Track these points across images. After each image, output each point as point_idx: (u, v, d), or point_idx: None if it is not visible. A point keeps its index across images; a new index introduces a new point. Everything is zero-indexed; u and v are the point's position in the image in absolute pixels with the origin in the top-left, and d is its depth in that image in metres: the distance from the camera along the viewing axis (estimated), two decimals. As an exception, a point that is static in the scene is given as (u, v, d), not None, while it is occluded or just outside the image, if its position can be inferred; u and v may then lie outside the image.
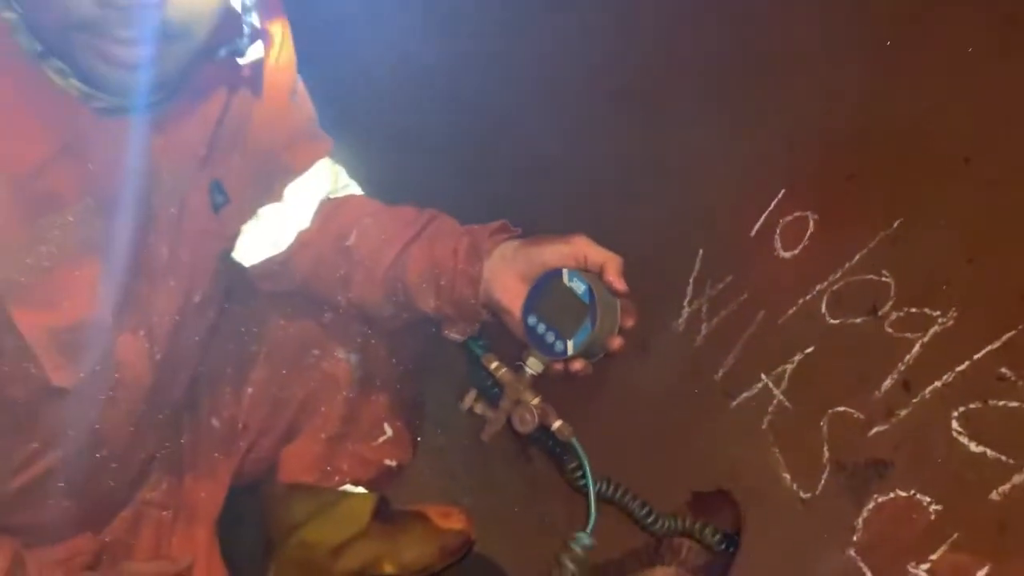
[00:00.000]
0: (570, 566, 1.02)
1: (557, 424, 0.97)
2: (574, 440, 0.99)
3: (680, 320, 1.42)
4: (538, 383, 0.97)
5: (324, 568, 1.45)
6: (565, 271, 0.93)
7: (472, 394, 1.03)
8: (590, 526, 0.99)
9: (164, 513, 1.19)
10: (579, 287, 0.92)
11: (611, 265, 0.97)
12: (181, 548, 1.19)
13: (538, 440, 1.18)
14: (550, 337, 0.93)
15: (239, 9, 0.90)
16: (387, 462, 1.32)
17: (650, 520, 1.21)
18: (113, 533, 1.16)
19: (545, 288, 0.94)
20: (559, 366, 0.95)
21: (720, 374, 1.32)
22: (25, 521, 1.05)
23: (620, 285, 0.96)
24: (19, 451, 0.99)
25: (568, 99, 1.64)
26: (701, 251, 1.43)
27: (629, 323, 0.98)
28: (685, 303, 1.42)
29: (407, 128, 1.75)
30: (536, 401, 0.97)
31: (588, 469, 0.98)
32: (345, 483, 1.31)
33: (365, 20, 1.74)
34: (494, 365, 1.00)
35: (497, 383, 1.00)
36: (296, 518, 1.37)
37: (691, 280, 1.43)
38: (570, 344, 0.92)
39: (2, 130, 0.79)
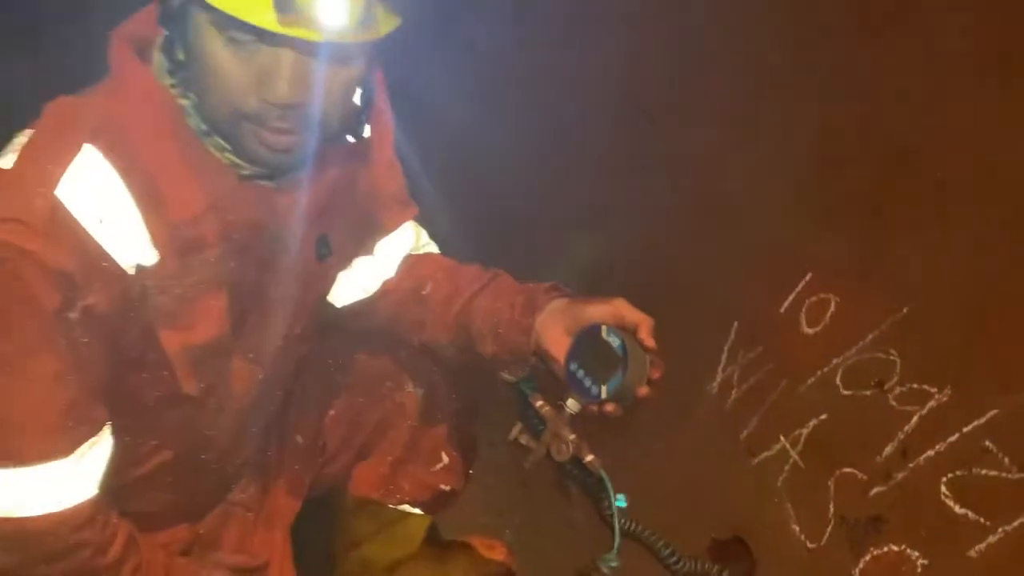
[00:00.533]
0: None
1: (589, 458, 1.13)
2: (602, 472, 1.14)
3: (714, 383, 1.58)
4: (576, 422, 1.13)
5: (380, 582, 1.62)
6: (604, 327, 1.10)
7: (518, 427, 1.19)
8: (615, 548, 1.13)
9: (249, 514, 1.37)
10: (614, 341, 1.09)
11: (644, 325, 1.14)
12: (260, 546, 1.37)
13: (572, 473, 1.32)
14: (587, 382, 1.10)
15: (360, 103, 1.11)
16: (442, 487, 1.49)
17: (673, 560, 1.35)
18: (206, 526, 1.35)
19: (586, 340, 1.11)
20: (593, 407, 1.12)
21: (744, 434, 1.47)
22: (137, 509, 1.23)
23: (650, 343, 1.13)
24: (141, 447, 1.19)
25: (618, 172, 1.85)
26: (736, 323, 1.59)
27: (656, 375, 1.14)
28: (719, 369, 1.58)
29: (475, 194, 1.98)
30: (573, 436, 1.13)
31: (612, 497, 1.12)
32: (404, 502, 1.48)
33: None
34: (539, 403, 1.17)
35: (540, 419, 1.16)
36: (358, 534, 1.54)
37: (726, 348, 1.59)
38: (604, 389, 1.08)
39: (169, 189, 1.00)
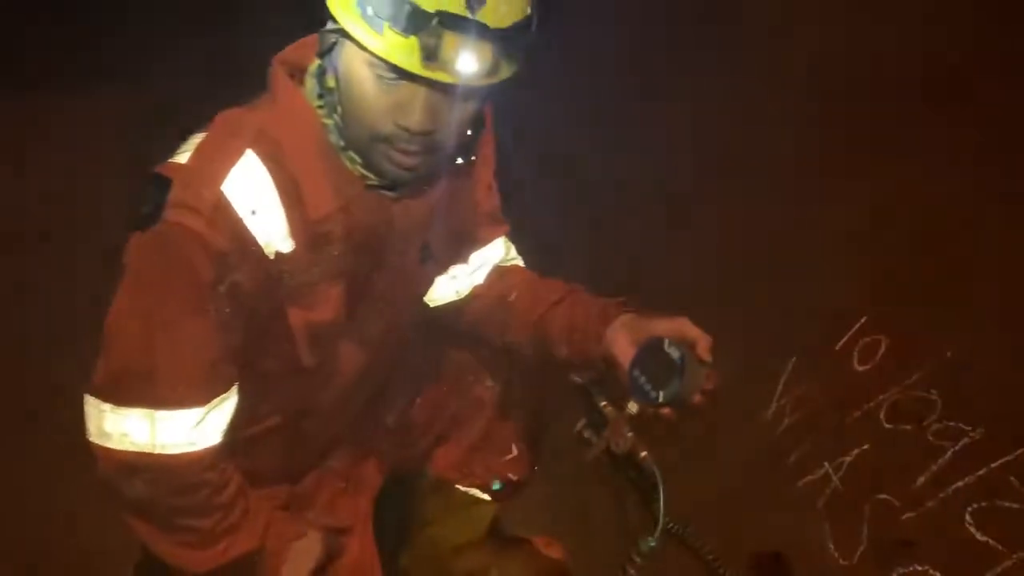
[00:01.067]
0: (637, 560, 1.26)
1: (643, 454, 1.26)
2: (655, 467, 1.27)
3: (769, 411, 1.70)
4: (634, 422, 1.27)
5: (444, 563, 1.78)
6: (666, 340, 1.24)
7: (583, 422, 1.33)
8: (656, 533, 1.25)
9: (340, 481, 1.55)
10: (674, 353, 1.22)
11: (702, 342, 1.27)
12: (346, 511, 1.54)
13: (627, 471, 1.44)
14: (648, 387, 1.23)
15: (471, 132, 1.30)
16: (510, 476, 1.64)
17: (716, 565, 1.46)
18: (302, 487, 1.53)
19: (649, 351, 1.25)
20: (651, 410, 1.25)
21: (792, 458, 1.59)
22: (245, 465, 1.43)
23: (706, 357, 1.26)
24: (256, 410, 1.39)
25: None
26: (794, 359, 1.71)
27: (709, 386, 1.27)
28: (775, 399, 1.70)
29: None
30: (631, 434, 1.26)
31: (661, 487, 1.24)
32: (476, 485, 1.64)
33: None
34: (603, 404, 1.31)
35: (603, 417, 1.30)
36: (431, 514, 1.71)
37: (783, 381, 1.71)
38: (661, 394, 1.22)
39: (308, 192, 1.20)
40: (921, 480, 1.33)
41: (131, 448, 1.19)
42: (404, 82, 1.08)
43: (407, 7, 1.02)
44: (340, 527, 1.52)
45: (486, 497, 1.66)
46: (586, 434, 1.25)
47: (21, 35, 4.37)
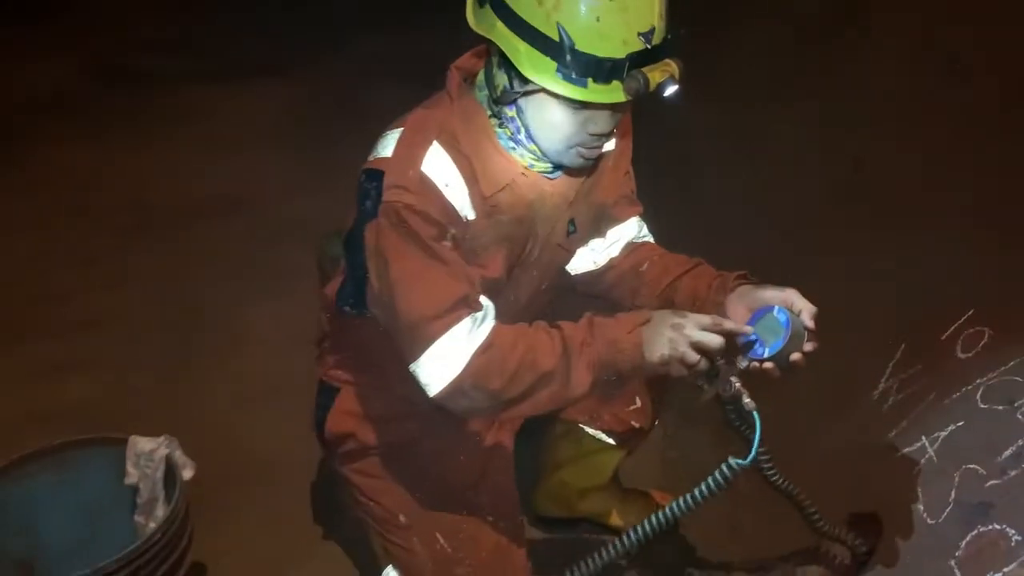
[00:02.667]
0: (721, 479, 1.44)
1: (747, 400, 1.46)
2: (755, 413, 1.46)
3: (877, 391, 1.87)
4: (742, 376, 1.46)
5: (571, 503, 2.03)
6: (776, 307, 1.44)
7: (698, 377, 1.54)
8: (749, 457, 1.43)
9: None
10: (782, 318, 1.42)
11: (807, 310, 1.46)
12: (493, 442, 1.79)
13: (731, 417, 1.61)
14: (756, 345, 1.44)
15: None
16: (633, 423, 1.86)
17: (816, 518, 1.64)
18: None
19: (761, 316, 1.45)
20: (757, 364, 1.45)
21: (893, 432, 1.75)
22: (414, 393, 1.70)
23: (809, 323, 1.45)
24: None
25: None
26: (904, 345, 1.87)
27: (808, 349, 1.45)
28: (882, 380, 1.87)
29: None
30: (738, 384, 1.47)
31: (759, 427, 1.42)
32: (603, 430, 1.87)
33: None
34: (719, 359, 1.51)
35: (716, 370, 1.51)
36: (562, 457, 1.97)
37: (891, 365, 1.87)
38: (766, 351, 1.42)
39: (480, 173, 1.48)
40: (1007, 453, 1.47)
41: (450, 377, 1.42)
42: (596, 109, 1.39)
43: (605, 62, 1.32)
44: (486, 453, 1.78)
45: (611, 442, 1.89)
46: (700, 382, 1.47)
47: (214, 29, 4.95)
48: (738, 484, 1.99)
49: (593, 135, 1.43)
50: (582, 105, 1.38)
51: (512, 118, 1.47)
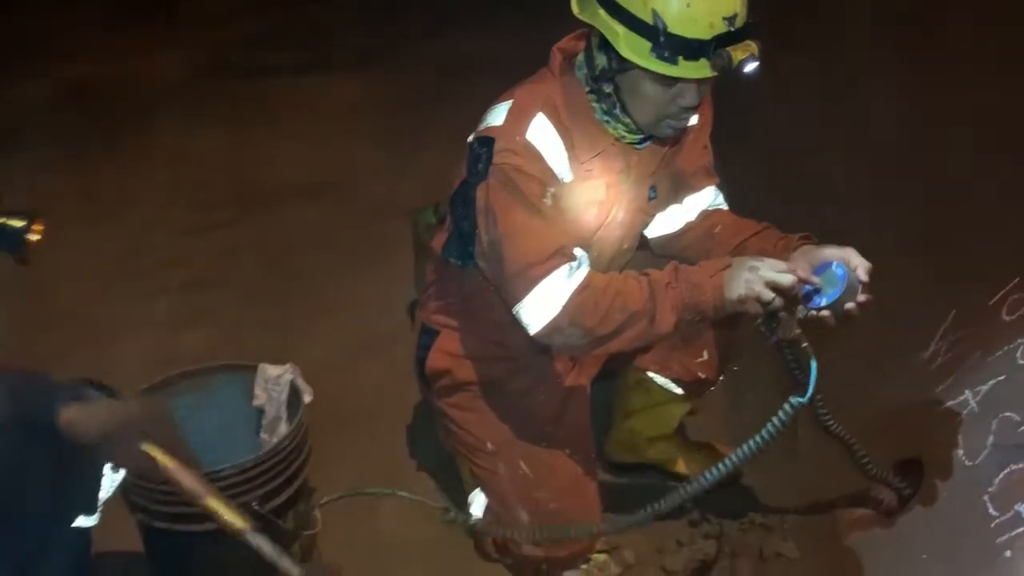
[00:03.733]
0: (784, 416, 1.60)
1: (805, 344, 1.63)
2: (812, 358, 1.63)
3: (927, 352, 2.02)
4: (801, 323, 1.63)
5: (639, 450, 2.23)
6: (834, 263, 1.62)
7: (761, 320, 1.71)
8: (807, 395, 1.59)
9: (570, 361, 2.00)
10: (839, 272, 1.60)
11: (862, 266, 1.62)
12: (572, 383, 1.98)
13: (789, 361, 1.75)
14: (814, 296, 1.62)
15: None
16: (700, 374, 2.06)
17: (865, 461, 1.79)
18: (543, 359, 1.94)
19: (820, 271, 1.63)
20: (814, 312, 1.62)
21: (939, 388, 1.90)
22: (513, 338, 1.88)
23: (864, 278, 1.61)
24: None
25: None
26: (953, 311, 2.02)
27: (862, 300, 1.62)
28: (933, 342, 2.02)
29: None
30: (798, 330, 1.64)
31: (814, 369, 1.58)
32: (671, 379, 2.06)
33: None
34: (781, 311, 1.68)
35: (778, 319, 1.68)
36: (632, 406, 2.16)
37: (942, 329, 2.03)
38: (824, 300, 1.60)
39: (578, 140, 1.69)
40: (1041, 401, 1.63)
41: (550, 316, 1.63)
42: (687, 83, 1.60)
43: (694, 43, 1.53)
44: (565, 392, 1.98)
45: (679, 392, 2.09)
46: (763, 329, 1.65)
47: (310, 25, 5.29)
48: (796, 437, 2.21)
49: (682, 108, 1.64)
50: (673, 81, 1.58)
51: (609, 94, 1.68)
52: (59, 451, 1.35)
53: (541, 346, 1.83)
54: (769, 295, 1.56)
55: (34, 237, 1.00)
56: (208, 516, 1.37)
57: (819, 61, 3.33)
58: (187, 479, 1.36)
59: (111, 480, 1.50)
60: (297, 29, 5.34)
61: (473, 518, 1.97)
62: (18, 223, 1.00)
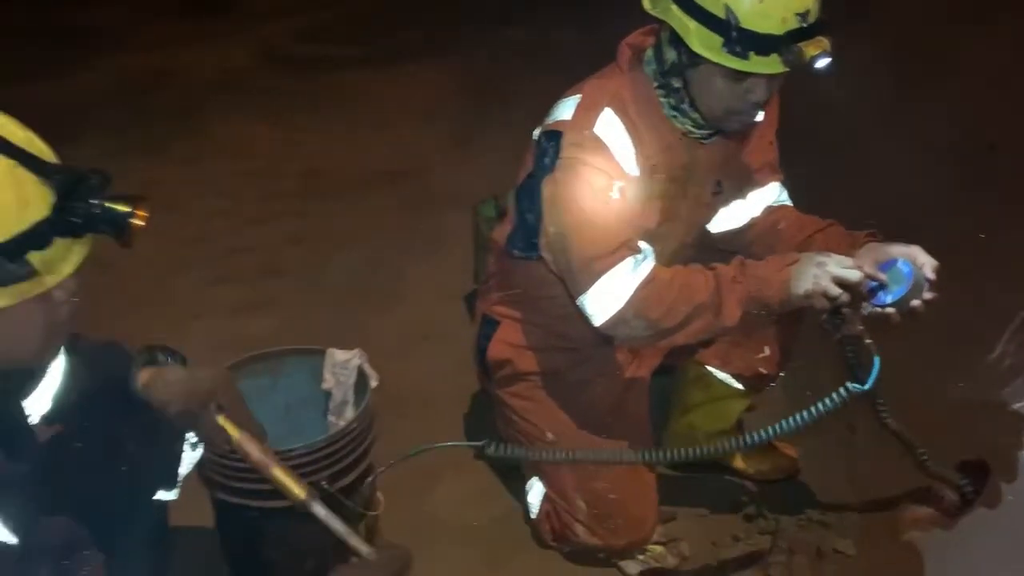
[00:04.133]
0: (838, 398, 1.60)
1: (868, 340, 1.63)
2: (876, 355, 1.62)
3: (994, 353, 2.00)
4: (865, 321, 1.63)
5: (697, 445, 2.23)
6: (900, 260, 1.61)
7: (825, 316, 1.71)
8: (868, 384, 1.57)
9: (631, 354, 2.02)
10: (904, 269, 1.59)
11: (929, 264, 1.62)
12: (632, 376, 2.01)
13: (849, 356, 1.67)
14: (880, 293, 1.61)
15: None
16: (761, 370, 2.06)
17: (925, 459, 1.79)
18: (605, 350, 1.94)
19: (888, 267, 1.62)
20: (879, 309, 1.62)
21: (1006, 390, 1.88)
22: (577, 330, 1.89)
23: (931, 275, 1.60)
24: None
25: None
26: (1021, 314, 2.00)
27: (928, 297, 1.61)
28: (1001, 344, 2.01)
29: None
30: (862, 327, 1.64)
31: (878, 363, 1.57)
32: (732, 374, 2.07)
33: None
34: (845, 308, 1.68)
35: (842, 315, 1.68)
36: (691, 401, 2.17)
37: (1009, 331, 2.01)
38: (889, 297, 1.59)
39: (645, 135, 1.70)
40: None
41: (615, 308, 1.66)
42: (757, 79, 1.59)
43: (766, 38, 1.54)
44: (625, 384, 2.01)
45: (739, 387, 2.09)
46: (827, 325, 1.65)
47: (371, 18, 5.37)
48: (855, 434, 2.20)
49: (751, 103, 1.64)
50: (743, 76, 1.59)
51: (677, 89, 1.70)
52: (143, 426, 1.42)
53: (604, 337, 1.86)
54: (836, 291, 1.57)
55: (138, 222, 1.05)
56: (274, 487, 1.42)
57: (878, 60, 3.29)
58: (254, 448, 1.40)
59: (190, 456, 1.57)
60: (355, 22, 5.42)
61: (510, 449, 1.93)
62: (124, 208, 1.04)
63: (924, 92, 2.98)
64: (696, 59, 1.61)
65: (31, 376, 1.24)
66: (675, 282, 1.66)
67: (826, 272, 1.57)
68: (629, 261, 1.67)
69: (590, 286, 1.68)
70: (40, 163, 1.01)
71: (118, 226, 1.04)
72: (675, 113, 1.73)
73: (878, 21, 3.51)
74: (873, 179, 2.86)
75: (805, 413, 1.59)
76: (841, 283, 1.56)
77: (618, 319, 1.68)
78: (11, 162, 0.98)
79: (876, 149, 2.98)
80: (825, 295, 1.57)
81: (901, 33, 3.43)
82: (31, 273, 1.00)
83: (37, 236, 0.99)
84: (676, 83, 1.69)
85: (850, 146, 3.10)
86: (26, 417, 1.28)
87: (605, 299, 1.67)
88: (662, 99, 1.73)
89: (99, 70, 4.81)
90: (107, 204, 1.02)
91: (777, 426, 1.64)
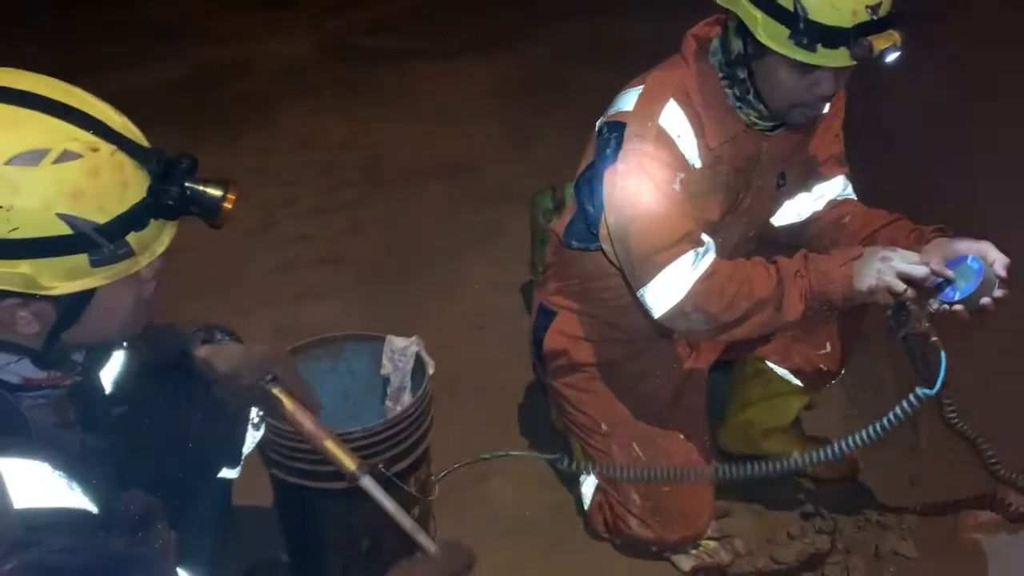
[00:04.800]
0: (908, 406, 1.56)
1: (934, 338, 1.59)
2: (942, 351, 1.57)
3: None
4: (932, 317, 1.58)
5: (755, 441, 2.21)
6: (970, 256, 1.56)
7: (890, 313, 1.66)
8: (936, 387, 1.51)
9: (688, 347, 2.01)
10: (975, 266, 1.54)
11: (1000, 260, 1.57)
12: (689, 369, 1.99)
13: (915, 354, 1.59)
14: (948, 290, 1.57)
15: None
16: (821, 366, 2.02)
17: (993, 462, 1.73)
18: (663, 344, 1.95)
19: (955, 264, 1.57)
20: (947, 306, 1.57)
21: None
22: (636, 323, 1.89)
23: (1002, 273, 1.56)
24: None
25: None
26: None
27: (998, 295, 1.56)
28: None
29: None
30: (928, 324, 1.59)
31: (944, 363, 1.52)
32: (792, 369, 2.04)
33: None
34: (911, 304, 1.64)
35: (908, 311, 1.64)
36: (749, 397, 2.15)
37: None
38: (958, 294, 1.55)
39: (708, 127, 1.68)
40: None
41: (675, 301, 1.65)
42: (823, 71, 1.56)
43: (834, 30, 1.50)
44: (682, 378, 2.00)
45: (798, 383, 2.06)
46: (891, 322, 1.62)
47: (431, 11, 5.40)
48: (918, 434, 2.15)
49: (817, 96, 1.61)
50: (810, 68, 1.56)
51: (743, 80, 1.67)
52: (206, 405, 1.46)
53: (662, 330, 1.85)
54: (900, 286, 1.53)
55: (228, 205, 1.08)
56: (328, 461, 1.43)
57: (948, 59, 3.20)
58: (308, 421, 1.43)
59: (252, 436, 1.62)
60: (418, 15, 5.46)
61: (584, 465, 1.97)
62: (216, 191, 1.08)
63: (1000, 90, 2.89)
64: (762, 50, 1.59)
65: (108, 353, 1.29)
66: (736, 276, 1.64)
67: (890, 267, 1.54)
68: (690, 254, 1.66)
69: (650, 279, 1.67)
70: (137, 147, 1.05)
71: (210, 208, 1.07)
72: (739, 104, 1.71)
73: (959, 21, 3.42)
74: (939, 177, 2.79)
75: (877, 425, 1.55)
76: (906, 279, 1.53)
77: (677, 312, 1.67)
78: (112, 147, 1.02)
79: (945, 147, 2.90)
80: (889, 291, 1.54)
81: (981, 30, 3.34)
82: (128, 253, 1.03)
83: (136, 218, 1.03)
84: (741, 74, 1.68)
85: (918, 142, 3.02)
86: (104, 393, 1.33)
87: (665, 292, 1.67)
88: (727, 89, 1.71)
89: (174, 63, 4.94)
90: (200, 187, 1.06)
91: (846, 441, 1.59)
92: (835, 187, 1.91)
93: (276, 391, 1.42)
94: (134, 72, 4.66)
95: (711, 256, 1.68)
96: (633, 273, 1.71)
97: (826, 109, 1.74)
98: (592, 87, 1.84)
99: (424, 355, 1.97)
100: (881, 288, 1.54)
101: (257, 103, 4.47)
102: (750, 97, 1.69)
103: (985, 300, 1.55)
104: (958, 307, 1.56)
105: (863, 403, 2.43)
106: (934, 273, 1.54)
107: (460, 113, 4.26)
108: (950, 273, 1.55)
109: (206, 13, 5.60)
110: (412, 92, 4.50)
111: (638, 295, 1.71)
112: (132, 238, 1.03)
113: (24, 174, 0.97)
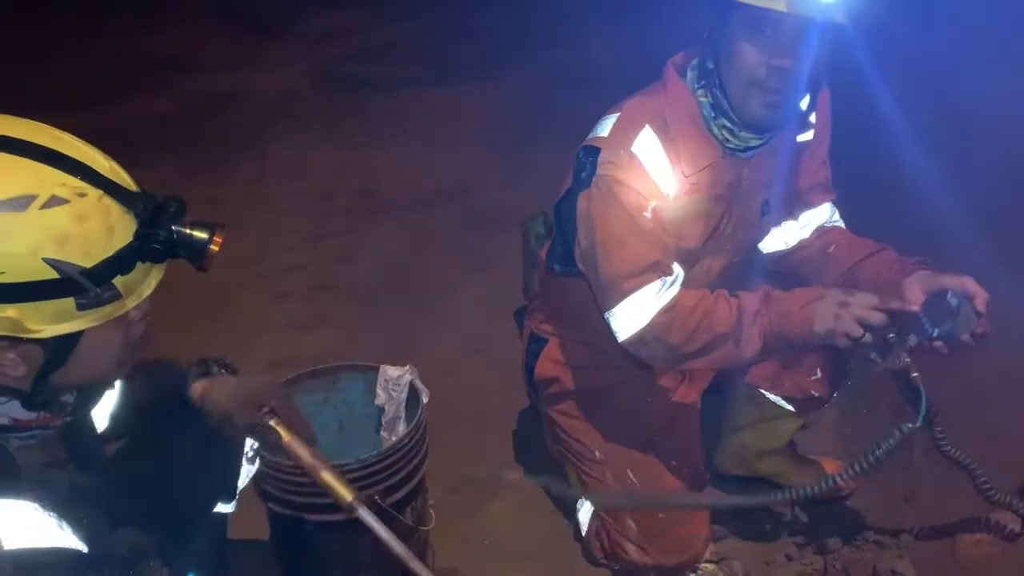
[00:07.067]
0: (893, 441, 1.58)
1: (915, 374, 1.59)
2: (921, 385, 1.57)
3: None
4: (912, 352, 1.58)
5: (750, 463, 2.21)
6: (950, 291, 1.57)
7: (873, 353, 1.68)
8: (917, 422, 1.56)
9: (679, 373, 2.01)
10: (954, 301, 1.55)
11: (980, 296, 1.56)
12: (680, 396, 2.02)
13: (900, 387, 1.69)
14: (927, 325, 1.57)
15: (808, 104, 1.74)
16: (812, 392, 2.03)
17: (987, 487, 1.73)
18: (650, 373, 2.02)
19: (935, 299, 1.57)
20: (926, 342, 1.57)
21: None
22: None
23: (981, 308, 1.56)
24: None
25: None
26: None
27: (978, 331, 1.56)
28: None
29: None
30: (908, 360, 1.59)
31: (924, 398, 1.54)
32: (783, 395, 2.05)
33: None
34: (891, 335, 1.65)
35: (888, 345, 1.64)
36: (743, 420, 2.16)
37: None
38: (937, 331, 1.55)
39: (685, 153, 1.69)
40: None
41: (636, 328, 1.68)
42: (777, 33, 1.54)
43: None
44: (675, 403, 2.00)
45: (790, 408, 2.07)
46: (872, 356, 1.63)
47: (422, 39, 5.45)
48: (913, 456, 2.15)
49: (772, 69, 1.56)
50: (764, 29, 1.54)
51: (711, 70, 1.66)
52: (201, 439, 1.47)
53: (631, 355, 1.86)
54: (858, 331, 1.57)
55: (215, 248, 1.10)
56: (325, 493, 1.43)
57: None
58: (304, 451, 1.43)
59: (247, 469, 1.62)
60: (409, 45, 5.50)
61: (575, 489, 1.99)
62: (203, 234, 1.09)
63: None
64: (726, 26, 1.58)
65: (98, 393, 1.30)
66: (698, 309, 1.67)
67: (849, 312, 1.57)
68: (655, 284, 1.68)
69: (616, 304, 1.70)
70: (125, 192, 1.06)
71: (197, 251, 1.08)
72: (714, 114, 1.70)
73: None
74: (926, 205, 2.80)
75: (863, 461, 1.58)
76: (864, 324, 1.56)
77: (639, 339, 1.70)
78: (99, 192, 1.04)
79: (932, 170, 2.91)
80: (847, 335, 1.56)
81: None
82: (115, 296, 1.05)
83: (122, 261, 1.05)
84: (710, 64, 1.67)
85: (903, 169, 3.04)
86: (96, 431, 1.34)
87: (628, 319, 1.69)
88: (702, 99, 1.71)
89: (167, 93, 4.98)
90: (187, 231, 1.07)
91: (837, 476, 1.64)
92: (822, 214, 1.93)
93: (273, 423, 1.43)
94: (128, 102, 4.71)
95: (676, 287, 1.71)
96: (601, 296, 1.74)
97: (808, 136, 1.75)
98: (586, 113, 1.85)
99: (418, 384, 1.97)
100: (839, 332, 1.57)
101: (251, 134, 4.49)
102: (717, 91, 1.67)
103: (964, 336, 1.56)
104: (938, 343, 1.57)
105: (858, 421, 2.44)
106: (897, 312, 1.55)
107: (453, 140, 4.28)
108: (915, 309, 1.57)
109: (199, 43, 5.64)
110: (404, 120, 4.53)
111: (605, 318, 1.73)
112: (119, 281, 1.05)
113: (11, 220, 0.98)
